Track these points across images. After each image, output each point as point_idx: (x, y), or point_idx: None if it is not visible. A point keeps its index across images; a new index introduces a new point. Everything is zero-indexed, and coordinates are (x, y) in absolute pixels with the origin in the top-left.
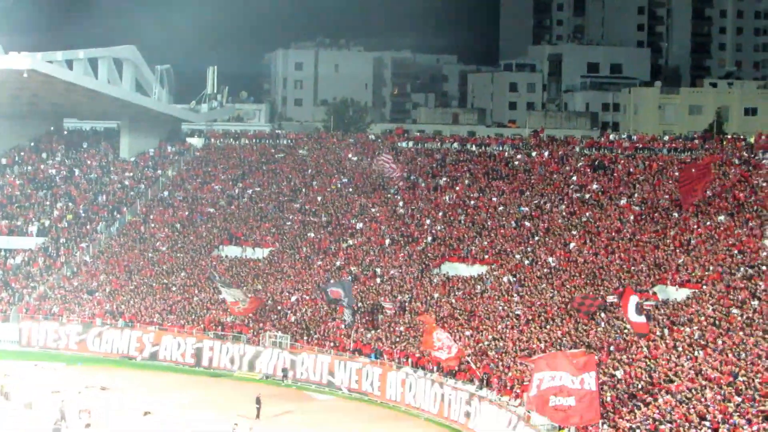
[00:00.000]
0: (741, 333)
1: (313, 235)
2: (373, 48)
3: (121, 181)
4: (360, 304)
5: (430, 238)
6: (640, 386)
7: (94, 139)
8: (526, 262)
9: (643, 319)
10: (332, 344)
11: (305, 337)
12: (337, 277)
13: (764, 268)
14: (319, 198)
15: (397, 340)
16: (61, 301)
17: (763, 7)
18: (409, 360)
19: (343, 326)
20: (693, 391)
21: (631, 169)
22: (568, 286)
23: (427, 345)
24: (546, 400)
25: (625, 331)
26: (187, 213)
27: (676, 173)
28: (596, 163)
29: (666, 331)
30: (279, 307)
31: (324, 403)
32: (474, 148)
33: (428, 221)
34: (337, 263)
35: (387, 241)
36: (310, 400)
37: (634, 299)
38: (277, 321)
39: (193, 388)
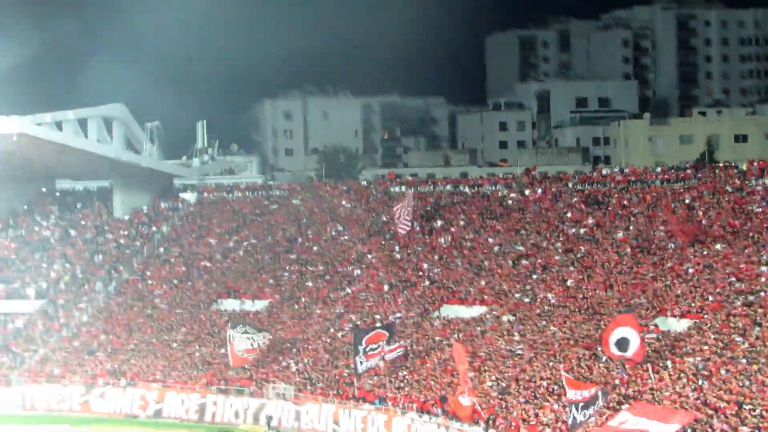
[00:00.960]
0: (744, 361)
1: (311, 284)
2: (360, 93)
3: (116, 239)
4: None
5: (428, 282)
6: None
7: (87, 198)
8: (526, 300)
9: (626, 352)
10: (336, 392)
11: (309, 387)
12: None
13: (763, 294)
14: (315, 247)
15: (401, 385)
16: (62, 362)
17: (747, 34)
18: (414, 405)
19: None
20: (700, 422)
21: (625, 203)
22: (568, 322)
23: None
24: None
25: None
26: (183, 268)
27: (676, 209)
28: (590, 197)
29: (669, 362)
30: (281, 358)
31: None
32: (467, 189)
33: (425, 265)
34: (337, 311)
35: (385, 287)
36: None
37: (618, 333)
38: (279, 372)
39: None
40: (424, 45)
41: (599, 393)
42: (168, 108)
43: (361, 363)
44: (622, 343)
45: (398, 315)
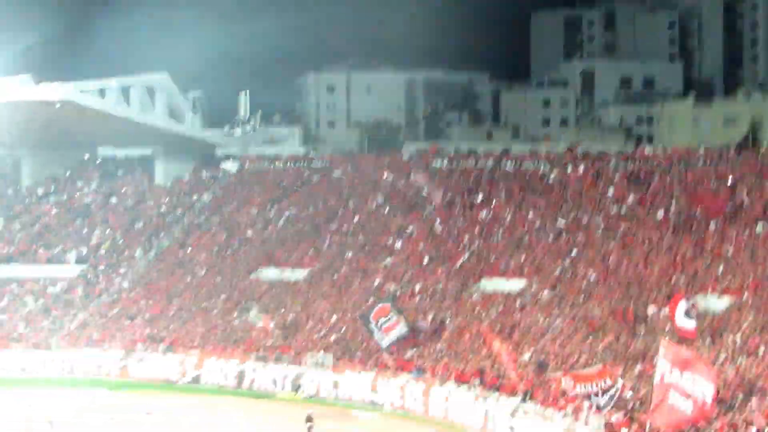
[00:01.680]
0: None
1: (351, 254)
2: (404, 68)
3: (157, 207)
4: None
5: (467, 255)
6: None
7: (129, 166)
8: (566, 275)
9: (692, 323)
10: (374, 362)
11: (347, 356)
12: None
13: None
14: (355, 218)
15: (438, 356)
16: (101, 327)
17: None
18: (452, 375)
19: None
20: (738, 398)
21: (667, 182)
22: (608, 299)
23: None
24: (666, 395)
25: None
26: (224, 237)
27: (713, 186)
28: (632, 176)
29: (708, 340)
30: (319, 327)
31: (368, 421)
32: (508, 165)
33: (466, 238)
34: (376, 282)
35: (425, 259)
36: (354, 419)
37: (683, 304)
38: (318, 341)
39: (239, 410)
40: (469, 21)
41: (615, 380)
42: (211, 78)
43: (382, 339)
44: (690, 313)
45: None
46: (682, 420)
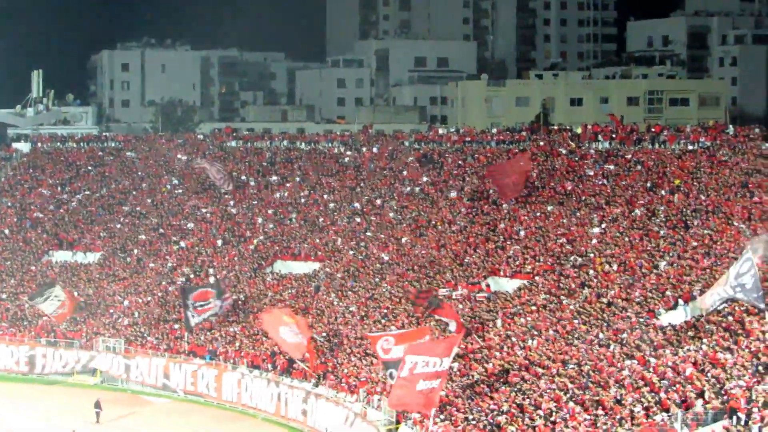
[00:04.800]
0: (575, 321)
1: (144, 237)
2: (199, 47)
3: None
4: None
5: (261, 237)
6: (475, 378)
7: None
8: (359, 257)
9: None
10: (166, 347)
11: (139, 341)
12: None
13: (593, 256)
14: (149, 200)
15: (231, 340)
16: None
17: None
18: (245, 360)
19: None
20: (527, 381)
21: (460, 162)
22: (401, 280)
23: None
24: (415, 384)
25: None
26: (15, 219)
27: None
28: (425, 157)
29: (499, 322)
30: (111, 311)
31: (160, 406)
32: (303, 145)
33: (260, 220)
34: (169, 265)
35: (219, 242)
36: (147, 404)
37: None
38: (110, 325)
39: (29, 395)
40: (264, 0)
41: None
42: (2, 56)
43: (193, 317)
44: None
45: (230, 272)
46: (431, 396)
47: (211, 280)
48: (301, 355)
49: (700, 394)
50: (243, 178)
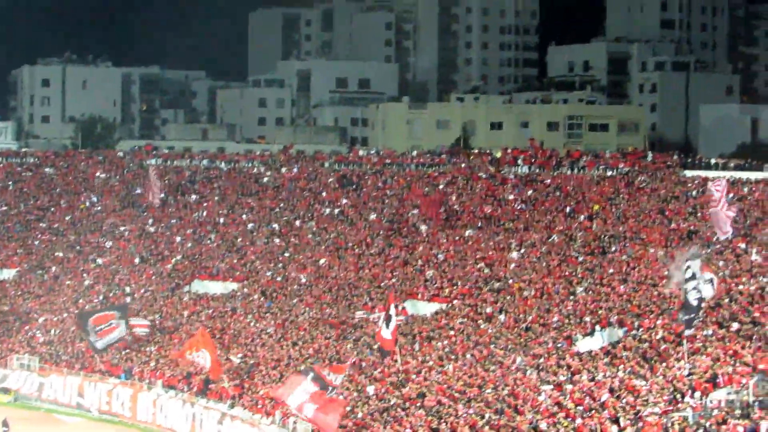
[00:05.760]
0: (491, 346)
1: (61, 254)
2: (120, 64)
3: None
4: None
5: (180, 256)
6: (392, 402)
7: None
8: (277, 278)
9: (390, 335)
10: (81, 366)
11: (54, 359)
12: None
13: (511, 281)
14: (67, 217)
15: (147, 360)
16: None
17: (508, 23)
18: (160, 380)
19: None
20: (444, 405)
21: (380, 185)
22: (319, 302)
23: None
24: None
25: (376, 346)
26: None
27: (426, 189)
28: (345, 178)
29: (417, 346)
30: (27, 328)
31: (73, 426)
32: (223, 164)
33: (178, 239)
34: (86, 282)
35: (136, 260)
36: (59, 423)
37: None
38: (25, 342)
39: None
40: (187, 18)
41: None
42: None
43: (97, 341)
44: (387, 319)
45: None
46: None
47: (127, 299)
48: (215, 374)
49: (615, 421)
50: (162, 196)
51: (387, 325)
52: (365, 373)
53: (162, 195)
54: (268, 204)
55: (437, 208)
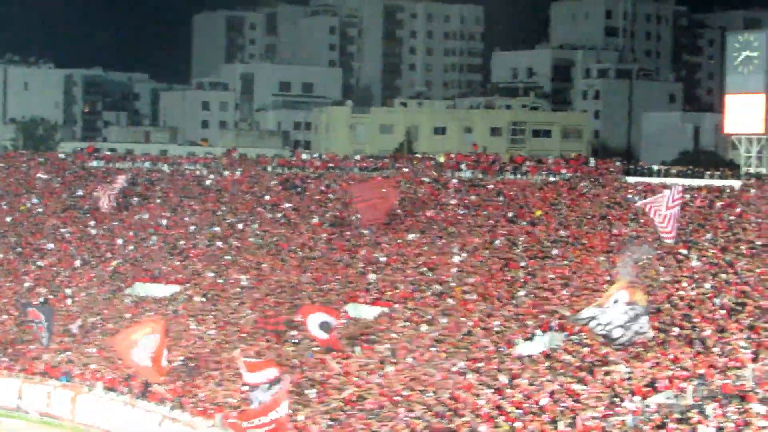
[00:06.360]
0: (433, 350)
1: (2, 255)
2: (63, 65)
3: None
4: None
5: (121, 259)
6: (333, 405)
7: None
8: (219, 281)
9: (325, 335)
10: (21, 368)
11: None
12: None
13: (453, 285)
14: (8, 218)
15: (88, 362)
16: None
17: (453, 28)
18: (99, 383)
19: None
20: (385, 408)
21: (323, 188)
22: (260, 305)
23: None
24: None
25: (317, 349)
26: None
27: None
28: (288, 182)
29: (358, 349)
30: None
31: (13, 428)
32: (166, 167)
33: (120, 241)
34: (27, 284)
35: (77, 262)
36: None
37: (314, 318)
38: None
39: None
40: (130, 21)
41: (282, 375)
42: None
43: (42, 337)
44: (324, 327)
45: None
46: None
47: (69, 302)
48: (158, 374)
49: (555, 425)
50: (114, 203)
51: (322, 332)
52: (307, 376)
53: (114, 202)
54: (211, 207)
55: (379, 214)
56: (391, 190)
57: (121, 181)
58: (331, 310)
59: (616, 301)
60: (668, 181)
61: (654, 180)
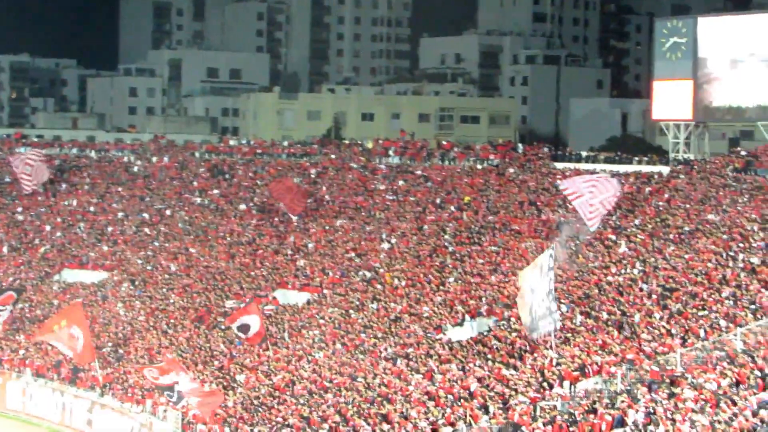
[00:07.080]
0: (362, 336)
1: None
2: None
3: None
4: None
5: (49, 245)
6: (262, 391)
7: None
8: (148, 267)
9: (248, 334)
10: None
11: None
12: None
13: (382, 270)
14: None
15: (17, 348)
16: None
17: (380, 14)
18: (28, 369)
19: None
20: (314, 394)
21: (251, 174)
22: (189, 291)
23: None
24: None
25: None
26: None
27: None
28: (215, 168)
29: (287, 335)
30: None
31: None
32: (93, 153)
33: (48, 228)
34: None
35: (5, 249)
36: None
37: (236, 323)
38: None
39: None
40: (57, 5)
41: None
42: None
43: None
44: (243, 329)
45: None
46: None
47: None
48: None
49: (485, 410)
50: (38, 185)
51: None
52: (237, 362)
53: (39, 185)
54: (138, 193)
55: (304, 200)
56: (297, 186)
57: (37, 164)
58: (254, 308)
59: (532, 291)
60: (597, 167)
61: (582, 166)
